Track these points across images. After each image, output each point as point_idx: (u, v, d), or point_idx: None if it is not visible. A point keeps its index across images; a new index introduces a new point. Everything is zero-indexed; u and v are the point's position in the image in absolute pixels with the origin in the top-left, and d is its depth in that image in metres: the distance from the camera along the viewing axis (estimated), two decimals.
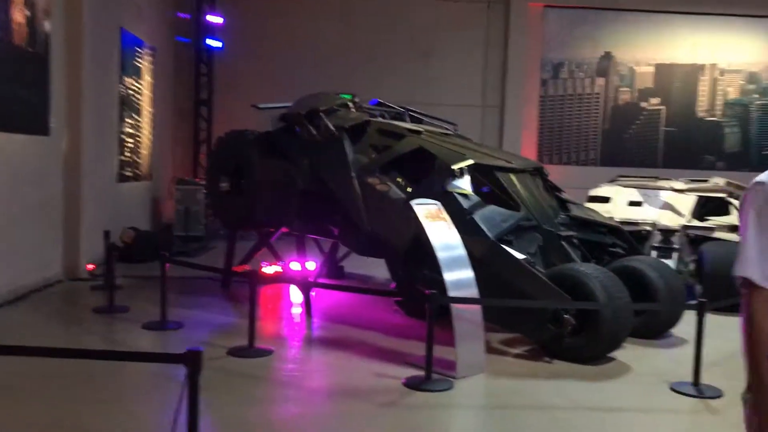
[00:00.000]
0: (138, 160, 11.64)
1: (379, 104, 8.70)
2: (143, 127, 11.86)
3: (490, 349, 5.73)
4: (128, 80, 10.94)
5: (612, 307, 5.55)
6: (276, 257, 8.97)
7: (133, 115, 11.31)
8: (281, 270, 8.65)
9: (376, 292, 7.90)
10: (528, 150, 14.37)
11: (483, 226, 5.95)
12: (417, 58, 14.48)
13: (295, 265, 8.33)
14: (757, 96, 15.41)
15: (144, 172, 12.01)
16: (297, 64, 13.86)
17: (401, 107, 8.68)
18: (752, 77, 15.33)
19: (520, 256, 5.81)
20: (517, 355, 6.00)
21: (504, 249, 5.84)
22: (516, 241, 6.17)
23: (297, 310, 7.57)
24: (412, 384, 5.05)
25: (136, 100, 11.40)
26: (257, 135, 8.37)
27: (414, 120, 8.53)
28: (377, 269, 8.67)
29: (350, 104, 8.03)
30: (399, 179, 6.77)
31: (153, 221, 12.53)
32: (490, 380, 5.31)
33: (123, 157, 10.84)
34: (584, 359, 5.70)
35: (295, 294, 8.11)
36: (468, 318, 5.34)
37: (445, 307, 5.24)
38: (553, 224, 6.71)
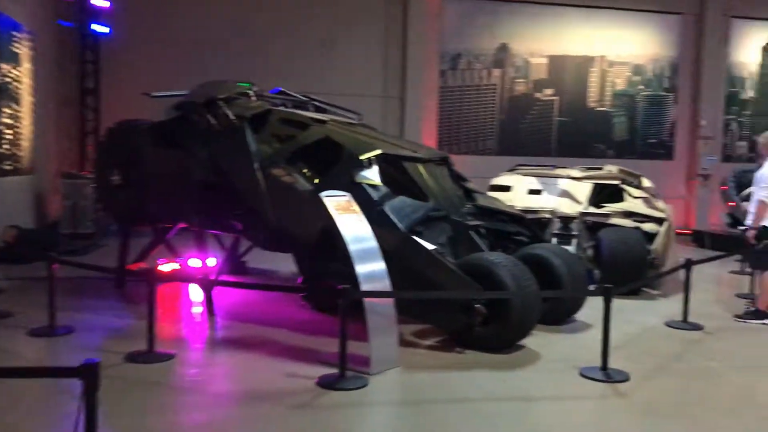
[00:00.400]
0: (18, 152, 10.78)
1: (281, 93, 8.40)
2: (23, 118, 10.99)
3: (402, 342, 5.63)
4: (5, 67, 10.08)
5: (522, 295, 5.58)
6: (174, 254, 8.53)
7: (12, 104, 10.45)
8: (180, 267, 8.23)
9: (282, 289, 7.65)
10: (428, 140, 14.44)
11: (393, 218, 5.84)
12: (316, 47, 14.23)
13: (194, 262, 7.94)
14: (642, 87, 16.18)
15: (25, 166, 11.14)
16: (191, 51, 13.29)
17: (304, 96, 8.43)
18: (638, 69, 16.08)
19: (430, 246, 5.75)
20: (429, 347, 5.93)
21: (415, 240, 5.75)
22: (426, 231, 6.10)
23: (199, 310, 7.21)
24: (326, 383, 4.87)
25: (14, 89, 10.54)
26: (150, 125, 7.91)
27: (317, 109, 8.31)
28: (282, 263, 8.42)
29: (250, 93, 7.71)
30: (305, 170, 6.54)
31: (37, 218, 11.65)
32: (405, 375, 5.21)
33: (1, 150, 10.00)
34: (495, 348, 5.71)
35: (196, 292, 7.73)
36: (381, 312, 5.21)
37: (356, 301, 5.09)
38: (460, 214, 6.70)
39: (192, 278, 7.72)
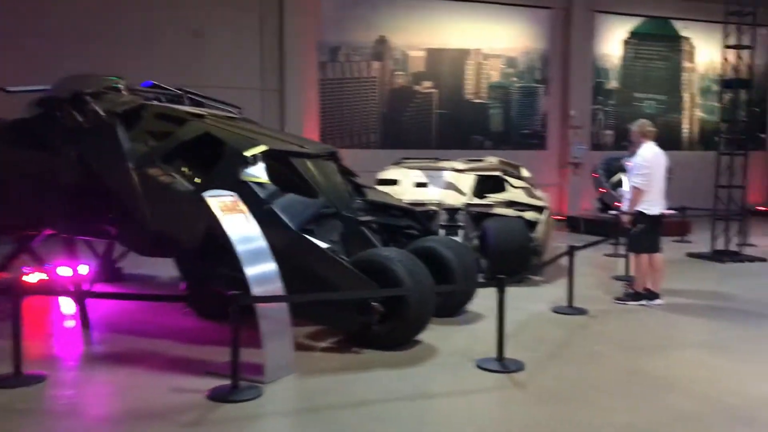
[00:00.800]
0: None
1: (154, 86, 7.88)
2: None
3: (297, 346, 5.40)
4: None
5: (418, 290, 5.50)
6: (39, 263, 7.82)
7: None
8: (47, 278, 7.55)
9: (164, 298, 7.17)
10: (311, 134, 14.19)
11: (283, 216, 5.59)
12: (188, 38, 13.59)
13: (64, 271, 7.30)
14: (515, 79, 16.69)
15: None
16: (52, 42, 12.29)
17: (179, 89, 7.95)
18: (511, 62, 16.57)
19: (323, 245, 5.55)
20: (325, 349, 5.74)
21: (306, 239, 5.54)
22: (317, 229, 5.90)
23: (71, 324, 6.63)
24: (218, 396, 4.57)
25: None
26: (8, 123, 7.18)
27: (194, 103, 7.86)
28: (161, 267, 7.94)
29: (120, 87, 7.16)
30: (184, 169, 6.14)
31: None
32: (302, 380, 4.99)
33: None
34: (393, 345, 5.61)
35: (68, 304, 7.12)
36: (274, 316, 4.96)
37: (247, 306, 4.81)
38: (351, 210, 6.54)
39: (62, 289, 7.08)
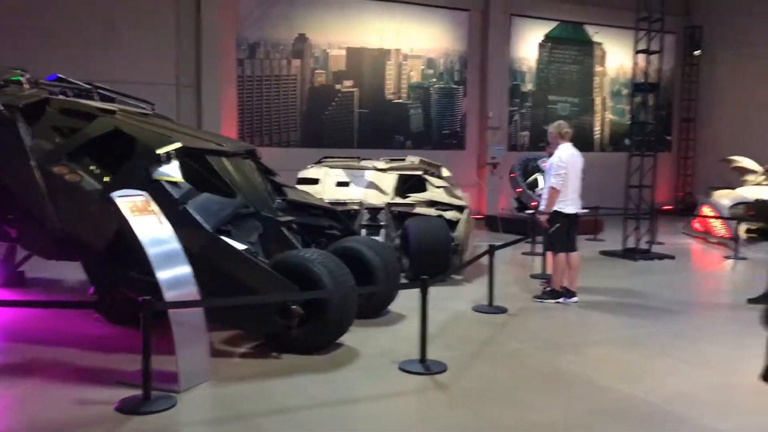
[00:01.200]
0: None
1: (60, 80, 7.46)
2: None
3: (213, 352, 5.20)
4: None
5: (340, 292, 5.39)
6: None
7: None
8: None
9: (70, 304, 6.77)
10: (229, 132, 13.84)
11: (198, 217, 5.36)
12: (99, 30, 12.99)
13: None
14: (435, 80, 16.81)
15: None
16: None
17: (88, 84, 7.55)
18: (431, 62, 16.68)
19: (241, 246, 5.36)
20: (243, 355, 5.54)
21: (223, 240, 5.33)
22: (235, 230, 5.70)
23: None
24: (128, 407, 4.31)
25: None
26: None
27: (103, 98, 7.49)
28: (67, 270, 7.52)
29: (22, 80, 6.73)
30: (93, 167, 5.80)
31: None
32: (219, 388, 4.79)
33: None
34: (314, 349, 5.47)
35: None
36: (188, 321, 4.74)
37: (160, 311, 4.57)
38: (271, 210, 6.37)
39: None
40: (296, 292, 5.23)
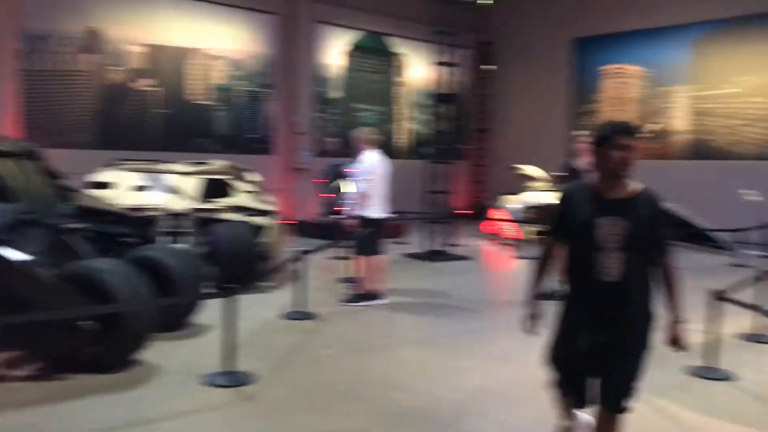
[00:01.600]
0: None
1: None
2: None
3: None
4: None
5: (135, 304, 5.01)
6: None
7: None
8: None
9: None
10: (10, 131, 12.44)
11: None
12: None
13: None
14: (240, 83, 16.44)
15: None
16: None
17: None
18: (236, 64, 16.28)
19: (22, 257, 4.79)
20: (25, 378, 4.96)
21: None
22: (17, 239, 5.08)
23: None
24: None
25: None
26: None
27: None
28: None
29: None
30: None
31: None
32: None
33: None
34: (108, 368, 5.04)
35: None
36: None
37: None
38: (56, 216, 5.78)
39: None
40: (85, 306, 4.77)
